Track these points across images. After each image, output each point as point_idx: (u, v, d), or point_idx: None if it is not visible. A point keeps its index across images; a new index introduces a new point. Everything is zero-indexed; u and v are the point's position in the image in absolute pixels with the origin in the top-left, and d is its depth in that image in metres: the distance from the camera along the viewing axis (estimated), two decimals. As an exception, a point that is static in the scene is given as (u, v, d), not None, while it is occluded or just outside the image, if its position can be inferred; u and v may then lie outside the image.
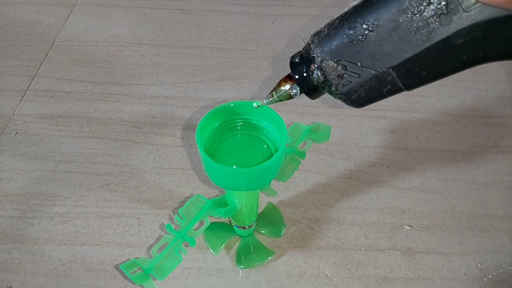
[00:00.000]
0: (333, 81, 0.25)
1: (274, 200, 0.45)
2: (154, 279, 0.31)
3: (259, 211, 0.41)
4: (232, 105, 0.33)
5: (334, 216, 0.44)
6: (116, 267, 0.40)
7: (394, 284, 0.40)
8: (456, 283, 0.40)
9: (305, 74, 0.26)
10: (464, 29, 0.20)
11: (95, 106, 0.55)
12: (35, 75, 0.58)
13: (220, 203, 0.35)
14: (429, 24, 0.21)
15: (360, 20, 0.23)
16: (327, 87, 0.26)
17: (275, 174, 0.32)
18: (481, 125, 0.54)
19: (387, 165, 0.49)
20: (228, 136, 0.34)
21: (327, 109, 0.55)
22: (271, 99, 0.29)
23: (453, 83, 0.59)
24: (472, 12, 0.20)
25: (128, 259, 0.41)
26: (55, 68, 0.60)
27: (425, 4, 0.21)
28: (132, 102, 0.55)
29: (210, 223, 0.36)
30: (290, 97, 0.28)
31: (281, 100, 0.29)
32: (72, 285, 0.39)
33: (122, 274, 0.40)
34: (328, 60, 0.24)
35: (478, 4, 0.20)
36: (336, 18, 0.25)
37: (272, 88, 0.29)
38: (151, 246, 0.42)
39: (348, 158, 0.50)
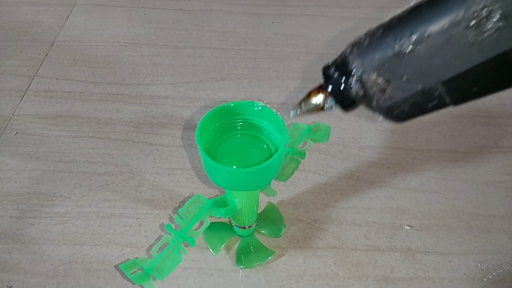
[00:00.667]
0: (374, 95, 0.23)
1: (274, 200, 0.45)
2: (154, 279, 0.31)
3: (259, 211, 0.41)
4: (232, 105, 0.33)
5: (334, 216, 0.44)
6: (116, 267, 0.40)
7: (394, 284, 0.40)
8: (456, 283, 0.40)
9: (342, 87, 0.24)
10: None
11: (95, 106, 0.55)
12: (35, 75, 0.58)
13: (220, 203, 0.35)
14: (485, 38, 0.19)
15: (407, 32, 0.21)
16: (366, 101, 0.24)
17: (275, 174, 0.32)
18: (481, 125, 0.54)
19: (387, 165, 0.49)
20: (228, 136, 0.34)
21: (327, 109, 0.55)
22: (298, 111, 0.27)
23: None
24: None
25: (128, 259, 0.41)
26: (55, 68, 0.60)
27: (482, 16, 0.19)
28: (132, 102, 0.55)
29: (210, 223, 0.36)
30: (321, 109, 0.26)
31: (310, 113, 0.27)
32: (72, 285, 0.39)
33: (122, 274, 0.40)
34: (369, 73, 0.22)
35: None
36: (378, 28, 0.23)
37: (300, 99, 0.27)
38: (151, 246, 0.42)
39: (348, 158, 0.50)
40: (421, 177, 0.48)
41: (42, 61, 0.60)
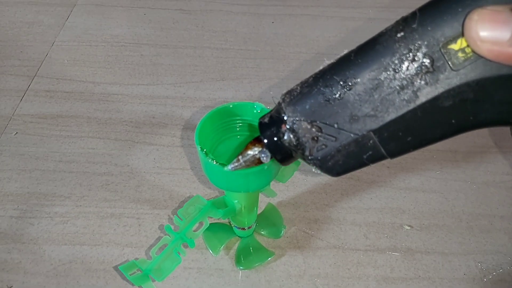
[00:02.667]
0: (307, 144, 0.22)
1: (274, 200, 0.45)
2: (153, 280, 0.31)
3: (258, 212, 0.41)
4: (231, 106, 0.33)
5: (334, 216, 0.44)
6: (116, 267, 0.40)
7: (394, 284, 0.40)
8: (456, 283, 0.40)
9: (276, 137, 0.23)
10: (452, 89, 0.18)
11: (95, 106, 0.55)
12: (35, 75, 0.58)
13: (220, 204, 0.35)
14: (413, 83, 0.19)
15: (336, 78, 0.21)
16: (300, 151, 0.23)
17: (274, 176, 0.32)
18: (481, 125, 0.54)
19: (387, 165, 0.49)
20: (227, 137, 0.34)
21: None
22: (236, 165, 0.26)
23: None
24: (462, 70, 0.18)
25: (128, 259, 0.41)
26: (55, 68, 0.60)
27: (408, 60, 0.19)
28: (132, 102, 0.55)
29: (210, 224, 0.36)
30: (259, 162, 0.26)
31: (248, 166, 0.26)
32: (72, 285, 0.39)
33: (122, 274, 0.40)
34: (301, 120, 0.22)
35: (467, 62, 0.18)
36: (311, 76, 0.22)
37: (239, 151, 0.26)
38: (151, 246, 0.42)
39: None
40: (421, 177, 0.48)
41: (42, 61, 0.60)
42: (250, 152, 0.26)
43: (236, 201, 0.35)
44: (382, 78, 0.19)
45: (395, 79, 0.19)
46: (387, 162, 0.49)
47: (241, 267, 0.40)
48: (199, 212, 0.32)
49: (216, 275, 0.40)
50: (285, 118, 0.23)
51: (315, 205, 0.45)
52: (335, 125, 0.21)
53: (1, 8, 0.69)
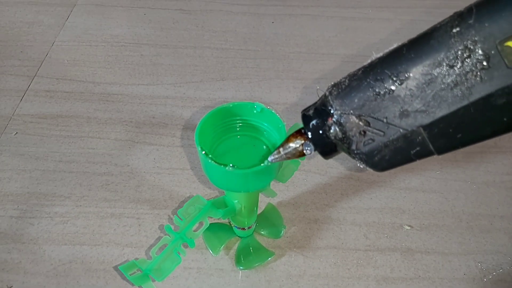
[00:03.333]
0: (354, 138, 0.22)
1: (274, 200, 0.45)
2: (153, 280, 0.31)
3: (258, 212, 0.41)
4: (231, 106, 0.33)
5: (334, 216, 0.44)
6: (116, 267, 0.40)
7: (394, 284, 0.40)
8: (456, 283, 0.40)
9: (321, 130, 0.23)
10: (507, 87, 0.18)
11: (95, 106, 0.55)
12: (35, 75, 0.58)
13: (220, 204, 0.35)
14: (467, 79, 0.19)
15: (388, 72, 0.20)
16: (346, 145, 0.23)
17: (274, 176, 0.32)
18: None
19: (387, 165, 0.49)
20: (228, 137, 0.34)
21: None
22: (277, 157, 0.26)
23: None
24: None
25: (128, 259, 0.41)
26: (55, 68, 0.60)
27: (464, 57, 0.19)
28: (132, 102, 0.55)
29: (210, 223, 0.36)
30: (301, 154, 0.25)
31: (289, 158, 0.25)
32: (72, 285, 0.39)
33: (122, 274, 0.40)
34: (349, 114, 0.22)
35: None
36: (359, 69, 0.22)
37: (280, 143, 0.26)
38: (151, 246, 0.42)
39: (348, 158, 0.49)
40: (421, 177, 0.48)
41: (42, 61, 0.60)
42: (292, 145, 0.25)
43: (236, 201, 0.35)
44: (436, 74, 0.19)
45: (449, 75, 0.19)
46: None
47: (241, 267, 0.40)
48: (199, 212, 0.32)
49: (216, 275, 0.40)
50: (332, 111, 0.22)
51: (315, 205, 0.45)
52: (384, 120, 0.21)
53: (1, 8, 0.69)
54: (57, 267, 0.40)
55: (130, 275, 0.30)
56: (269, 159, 0.27)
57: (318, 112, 0.23)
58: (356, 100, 0.21)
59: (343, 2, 0.73)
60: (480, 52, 0.18)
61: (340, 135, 0.22)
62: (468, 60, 0.19)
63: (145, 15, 0.69)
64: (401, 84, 0.20)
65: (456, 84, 0.19)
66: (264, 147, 0.34)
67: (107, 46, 0.63)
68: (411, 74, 0.20)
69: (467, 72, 0.19)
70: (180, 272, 0.40)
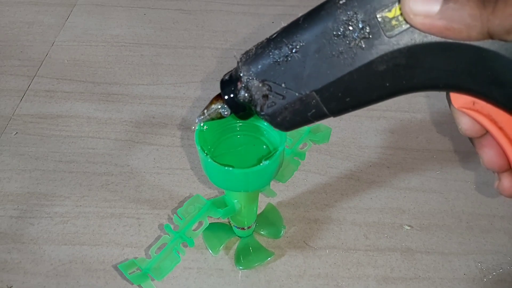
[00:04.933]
0: (259, 101, 0.24)
1: (274, 200, 0.45)
2: (153, 279, 0.31)
3: (258, 212, 0.41)
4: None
5: (334, 216, 0.44)
6: (116, 267, 0.40)
7: (394, 284, 0.40)
8: (456, 283, 0.40)
9: (232, 93, 0.26)
10: (386, 54, 0.20)
11: (95, 106, 0.55)
12: (35, 75, 0.58)
13: (219, 203, 0.35)
14: (351, 48, 0.20)
15: (285, 40, 0.22)
16: (254, 107, 0.25)
17: (274, 175, 0.32)
18: (481, 125, 0.54)
19: (387, 165, 0.49)
20: (228, 136, 0.34)
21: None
22: (202, 117, 0.29)
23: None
24: (394, 37, 0.19)
25: (128, 259, 0.41)
26: (55, 68, 0.60)
27: (347, 26, 0.20)
28: (132, 102, 0.55)
29: (209, 223, 0.36)
30: (222, 116, 0.28)
31: (213, 119, 0.28)
32: (72, 285, 0.39)
33: (122, 274, 0.39)
34: (253, 79, 0.24)
35: (399, 29, 0.19)
36: (265, 39, 0.24)
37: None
38: (150, 246, 0.42)
39: (348, 158, 0.50)
40: (421, 177, 0.48)
41: (42, 61, 0.61)
42: (214, 106, 0.28)
43: (236, 200, 0.35)
44: (325, 42, 0.21)
45: (336, 43, 0.21)
46: (387, 162, 0.49)
47: (240, 267, 0.40)
48: (198, 211, 0.32)
49: (216, 275, 0.40)
50: (241, 76, 0.24)
51: (315, 205, 0.45)
52: (283, 85, 0.23)
53: (1, 8, 0.69)
54: (57, 267, 0.40)
55: (129, 274, 0.30)
56: (196, 120, 0.29)
57: (231, 78, 0.26)
58: (260, 67, 0.24)
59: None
60: (361, 22, 0.20)
61: (247, 98, 0.25)
62: (351, 29, 0.20)
63: (145, 15, 0.69)
64: (296, 52, 0.22)
65: (341, 52, 0.21)
66: (264, 147, 0.34)
67: (107, 46, 0.63)
68: (304, 43, 0.22)
69: (351, 41, 0.20)
70: (180, 272, 0.40)
